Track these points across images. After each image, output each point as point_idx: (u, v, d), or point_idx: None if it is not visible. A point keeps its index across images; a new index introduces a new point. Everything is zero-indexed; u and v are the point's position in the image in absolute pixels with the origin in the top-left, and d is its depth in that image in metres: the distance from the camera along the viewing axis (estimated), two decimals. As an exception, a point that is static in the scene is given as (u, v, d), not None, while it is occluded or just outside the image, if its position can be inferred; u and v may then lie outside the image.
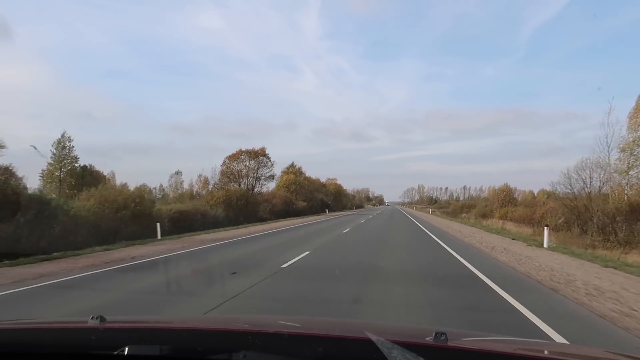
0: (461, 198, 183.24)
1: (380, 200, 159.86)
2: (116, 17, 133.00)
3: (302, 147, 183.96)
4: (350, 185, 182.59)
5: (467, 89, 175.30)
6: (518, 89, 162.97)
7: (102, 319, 1.66)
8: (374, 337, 1.32)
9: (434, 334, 1.44)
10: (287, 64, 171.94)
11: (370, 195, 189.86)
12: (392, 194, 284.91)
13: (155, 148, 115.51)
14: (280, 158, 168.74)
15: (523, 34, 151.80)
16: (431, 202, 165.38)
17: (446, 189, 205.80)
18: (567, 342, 4.66)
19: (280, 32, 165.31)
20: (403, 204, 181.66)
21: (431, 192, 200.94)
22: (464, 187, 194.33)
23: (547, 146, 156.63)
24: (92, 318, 1.67)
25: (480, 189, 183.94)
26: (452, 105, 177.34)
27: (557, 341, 4.70)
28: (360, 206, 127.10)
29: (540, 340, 4.23)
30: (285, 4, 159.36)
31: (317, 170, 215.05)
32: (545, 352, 1.78)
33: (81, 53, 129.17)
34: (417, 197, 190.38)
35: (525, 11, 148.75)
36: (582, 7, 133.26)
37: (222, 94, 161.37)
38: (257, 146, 52.84)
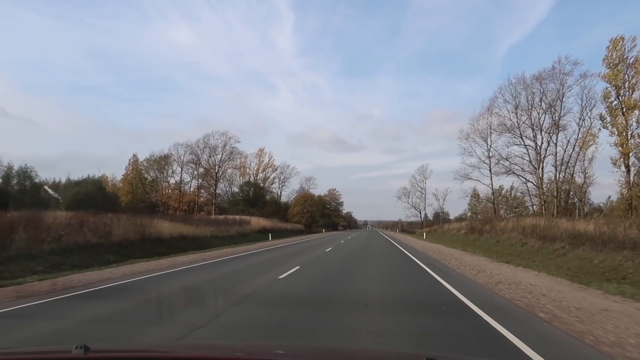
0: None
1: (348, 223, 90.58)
2: (83, 30, 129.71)
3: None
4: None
5: (444, 105, 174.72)
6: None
7: (87, 349, 1.62)
8: None
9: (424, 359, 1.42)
10: (262, 81, 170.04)
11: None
12: (380, 213, 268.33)
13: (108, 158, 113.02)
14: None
15: (498, 52, 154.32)
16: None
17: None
18: None
19: (254, 49, 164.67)
20: (401, 226, 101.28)
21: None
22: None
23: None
24: (75, 347, 1.63)
25: None
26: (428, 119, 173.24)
27: None
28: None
29: None
30: (258, 19, 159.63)
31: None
32: None
33: (45, 66, 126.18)
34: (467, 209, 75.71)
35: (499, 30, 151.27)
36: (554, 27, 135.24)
37: (195, 109, 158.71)
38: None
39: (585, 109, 35.94)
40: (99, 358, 1.68)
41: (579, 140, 36.72)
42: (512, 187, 58.85)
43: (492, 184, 47.22)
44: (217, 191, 69.83)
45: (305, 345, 4.24)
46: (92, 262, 15.38)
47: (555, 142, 38.47)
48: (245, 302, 8.41)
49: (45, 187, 37.51)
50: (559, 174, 38.23)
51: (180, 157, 65.35)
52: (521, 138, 40.51)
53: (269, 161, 79.69)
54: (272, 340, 5.34)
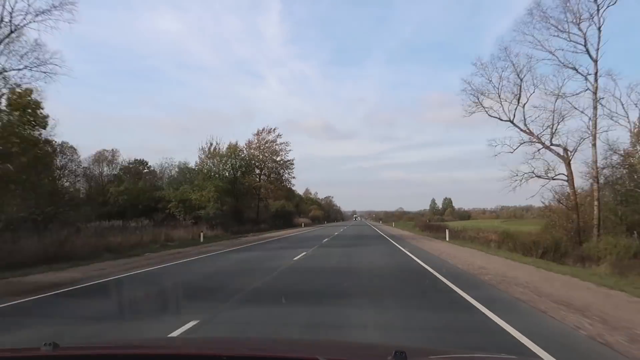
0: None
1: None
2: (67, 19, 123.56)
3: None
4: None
5: (437, 90, 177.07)
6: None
7: (55, 346, 1.61)
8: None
9: (393, 352, 1.41)
10: (249, 70, 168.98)
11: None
12: (370, 203, 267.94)
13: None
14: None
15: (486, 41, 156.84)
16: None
17: None
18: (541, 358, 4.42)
19: (241, 38, 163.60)
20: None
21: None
22: None
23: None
24: (44, 345, 1.62)
25: None
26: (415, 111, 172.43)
27: (529, 357, 4.44)
28: None
29: (508, 357, 4.09)
30: (245, 7, 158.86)
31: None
32: None
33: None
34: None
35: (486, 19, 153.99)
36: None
37: (180, 97, 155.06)
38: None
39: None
40: (67, 355, 1.66)
41: None
42: None
43: None
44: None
45: (272, 339, 4.20)
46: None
47: None
48: None
49: None
50: None
51: None
52: None
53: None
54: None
